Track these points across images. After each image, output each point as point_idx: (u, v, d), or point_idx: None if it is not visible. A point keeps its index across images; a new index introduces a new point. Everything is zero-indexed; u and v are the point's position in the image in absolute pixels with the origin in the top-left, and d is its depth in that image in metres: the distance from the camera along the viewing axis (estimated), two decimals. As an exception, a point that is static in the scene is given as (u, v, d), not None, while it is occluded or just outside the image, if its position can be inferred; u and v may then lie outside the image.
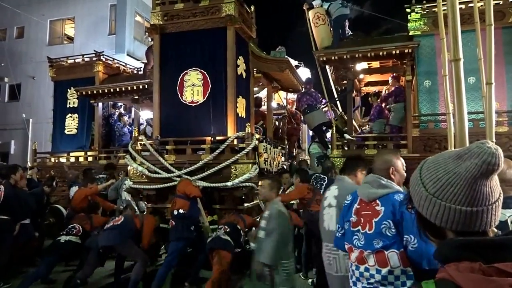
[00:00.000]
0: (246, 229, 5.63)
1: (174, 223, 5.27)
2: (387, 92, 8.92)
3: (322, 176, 5.66)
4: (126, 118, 10.68)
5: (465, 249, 0.84)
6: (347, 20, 8.80)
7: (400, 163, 2.45)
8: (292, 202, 5.80)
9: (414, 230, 2.07)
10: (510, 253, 0.80)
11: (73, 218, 5.89)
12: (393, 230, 2.18)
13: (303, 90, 8.71)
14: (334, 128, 7.59)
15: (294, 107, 10.29)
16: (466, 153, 0.90)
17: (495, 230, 1.04)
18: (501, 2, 7.00)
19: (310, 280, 5.35)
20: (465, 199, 0.88)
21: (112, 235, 5.03)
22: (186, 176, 6.11)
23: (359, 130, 9.10)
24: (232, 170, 6.34)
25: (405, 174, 2.45)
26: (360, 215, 2.34)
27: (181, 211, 5.22)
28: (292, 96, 10.71)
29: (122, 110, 11.04)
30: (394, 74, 8.62)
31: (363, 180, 2.49)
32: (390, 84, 8.75)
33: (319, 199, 5.12)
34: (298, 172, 5.80)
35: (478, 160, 0.87)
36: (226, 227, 5.28)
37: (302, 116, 9.55)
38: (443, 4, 2.72)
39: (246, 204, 6.48)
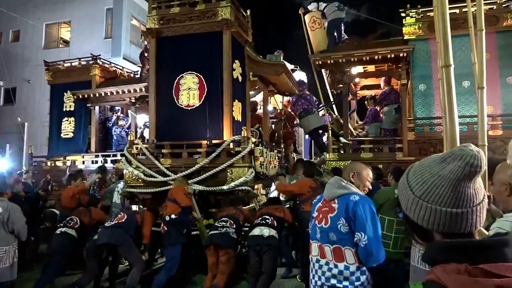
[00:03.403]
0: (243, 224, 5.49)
1: (166, 228, 5.19)
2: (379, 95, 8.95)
3: None
4: (123, 121, 10.67)
5: (451, 251, 0.86)
6: (342, 24, 8.83)
7: (365, 172, 2.75)
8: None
9: (366, 228, 2.41)
10: (495, 254, 0.82)
11: (71, 213, 5.80)
12: (346, 227, 2.45)
13: (298, 93, 8.73)
14: (330, 131, 7.61)
15: (290, 109, 10.28)
16: (449, 156, 0.93)
17: (486, 232, 1.06)
18: (495, 7, 7.07)
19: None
20: (450, 201, 0.91)
21: (117, 233, 4.94)
22: (180, 178, 6.06)
23: (355, 134, 9.13)
24: (228, 173, 6.34)
25: (366, 183, 2.74)
26: (320, 211, 2.63)
27: (172, 216, 5.18)
28: (289, 98, 10.71)
29: (119, 113, 11.02)
30: (385, 77, 8.65)
31: (328, 182, 2.76)
32: (382, 87, 8.80)
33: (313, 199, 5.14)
34: (302, 163, 5.69)
35: (461, 162, 0.90)
36: (232, 222, 5.09)
37: (298, 120, 9.57)
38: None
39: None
